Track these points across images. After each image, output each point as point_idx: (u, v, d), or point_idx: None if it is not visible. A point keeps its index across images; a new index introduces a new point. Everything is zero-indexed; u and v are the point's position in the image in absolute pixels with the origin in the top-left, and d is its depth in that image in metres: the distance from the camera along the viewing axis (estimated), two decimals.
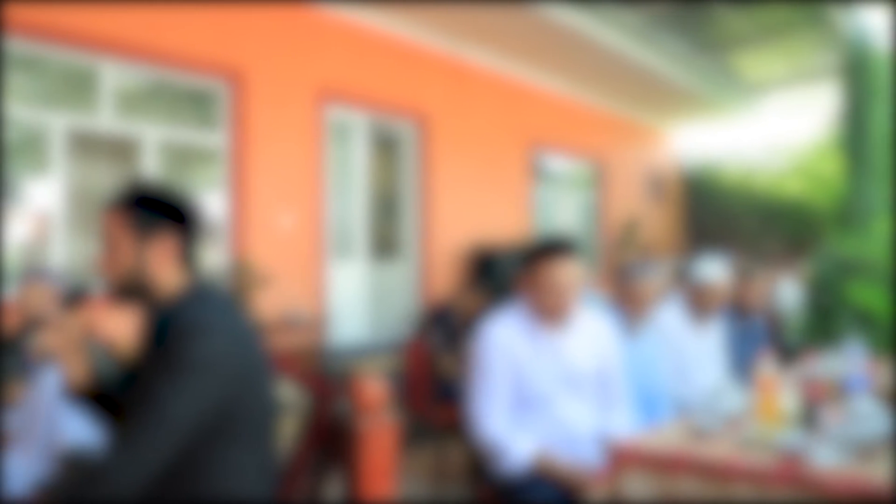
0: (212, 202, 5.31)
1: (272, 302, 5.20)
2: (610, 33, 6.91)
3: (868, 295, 5.26)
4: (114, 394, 1.47)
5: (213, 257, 5.25)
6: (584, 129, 9.17)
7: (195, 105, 5.32)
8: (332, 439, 1.57)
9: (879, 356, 3.14)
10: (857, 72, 6.15)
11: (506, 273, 5.97)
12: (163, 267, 1.42)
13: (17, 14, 3.98)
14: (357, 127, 6.39)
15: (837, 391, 2.29)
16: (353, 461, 1.43)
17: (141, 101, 5.02)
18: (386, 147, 6.74)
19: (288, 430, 1.61)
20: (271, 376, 1.46)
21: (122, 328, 1.37)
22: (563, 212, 9.05)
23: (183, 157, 5.23)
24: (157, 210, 1.44)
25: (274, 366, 1.53)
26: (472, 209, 7.31)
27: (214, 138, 5.31)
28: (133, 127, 4.86)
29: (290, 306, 5.44)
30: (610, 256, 9.20)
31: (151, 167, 4.90)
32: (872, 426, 2.01)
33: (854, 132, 6.13)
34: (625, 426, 2.34)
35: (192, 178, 5.39)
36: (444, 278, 6.86)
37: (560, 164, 9.05)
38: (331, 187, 6.05)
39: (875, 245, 5.69)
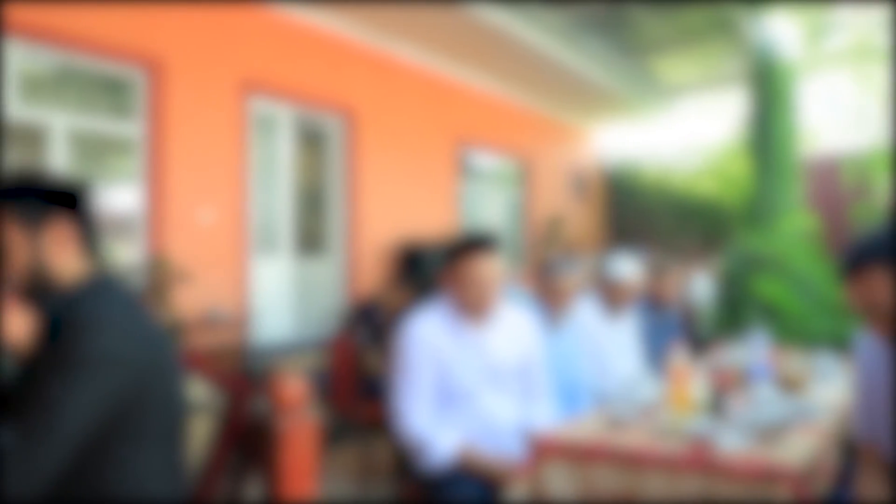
0: (127, 195, 5.07)
1: (192, 300, 5.03)
2: (534, 33, 7.04)
3: (772, 288, 5.60)
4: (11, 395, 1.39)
5: (129, 253, 5.02)
6: (510, 127, 9.30)
7: (109, 93, 5.06)
8: (250, 439, 1.53)
9: (782, 346, 3.34)
10: (762, 78, 6.51)
11: (432, 269, 5.99)
12: (60, 256, 1.34)
13: None
14: (282, 120, 6.26)
15: (742, 379, 2.42)
16: (272, 461, 1.41)
17: (49, 86, 4.74)
18: (312, 141, 6.63)
19: (202, 431, 1.57)
20: (181, 375, 1.41)
21: (19, 327, 1.29)
22: (489, 208, 9.16)
23: (95, 146, 4.97)
24: (42, 197, 1.35)
25: (187, 364, 1.48)
26: (400, 205, 7.30)
27: (130, 128, 5.07)
28: (40, 114, 4.58)
29: (212, 304, 5.28)
30: (535, 253, 9.38)
31: (60, 157, 4.64)
32: (773, 411, 2.14)
33: (760, 135, 6.49)
34: (547, 419, 2.40)
35: (106, 169, 5.13)
36: (371, 274, 6.82)
37: (487, 161, 9.16)
38: (254, 181, 5.89)
39: (780, 242, 6.05)
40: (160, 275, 4.77)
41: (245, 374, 5.07)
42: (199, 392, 1.57)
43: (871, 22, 7.41)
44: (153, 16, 5.02)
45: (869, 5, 6.94)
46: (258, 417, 1.52)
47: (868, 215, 7.31)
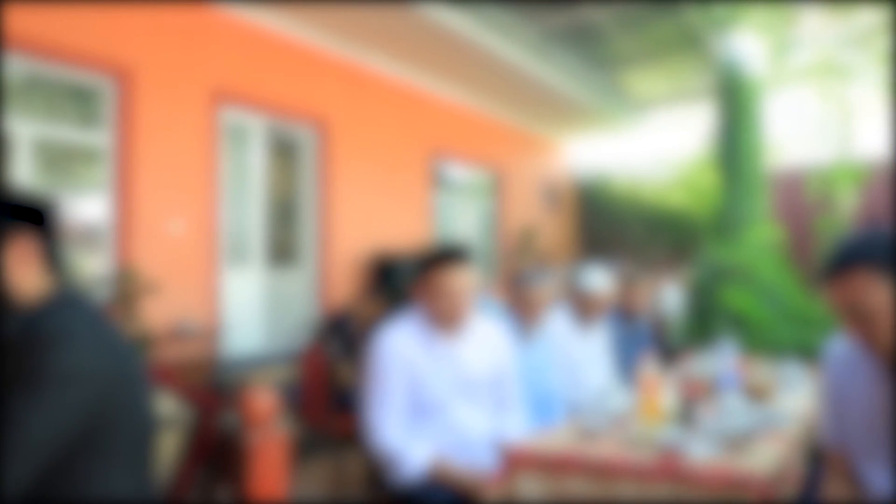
0: (94, 205, 4.98)
1: (161, 312, 4.94)
2: (506, 46, 7.11)
3: (740, 298, 5.70)
4: None
5: (96, 264, 4.93)
6: (483, 138, 9.36)
7: (76, 102, 4.98)
8: (219, 454, 1.51)
9: (749, 355, 3.40)
10: (729, 94, 6.65)
11: (405, 280, 5.98)
12: (23, 273, 1.31)
13: None
14: (254, 130, 6.21)
15: (711, 388, 2.46)
16: (241, 476, 1.39)
17: (14, 94, 4.65)
18: (284, 152, 6.60)
19: (170, 446, 1.54)
20: (148, 389, 1.39)
21: None
22: (462, 219, 9.19)
23: (62, 156, 4.88)
24: (3, 213, 1.32)
25: (154, 379, 1.46)
26: (373, 216, 7.29)
27: (98, 137, 4.99)
28: (4, 122, 4.48)
29: (181, 316, 5.19)
30: (508, 264, 9.42)
31: (25, 166, 4.54)
32: (740, 420, 2.17)
33: (727, 149, 6.62)
34: (519, 430, 2.40)
35: (73, 179, 5.04)
36: (344, 286, 6.78)
37: (460, 172, 9.19)
38: (226, 192, 5.83)
39: (747, 252, 6.17)
40: (128, 286, 4.69)
41: (214, 388, 4.99)
42: (168, 406, 1.54)
43: (834, 39, 7.64)
44: (122, 24, 4.96)
45: (834, 19, 7.17)
46: (227, 432, 1.50)
47: (831, 227, 7.49)
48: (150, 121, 5.16)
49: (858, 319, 1.50)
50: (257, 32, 6.00)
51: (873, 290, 1.46)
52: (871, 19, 7.12)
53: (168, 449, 1.54)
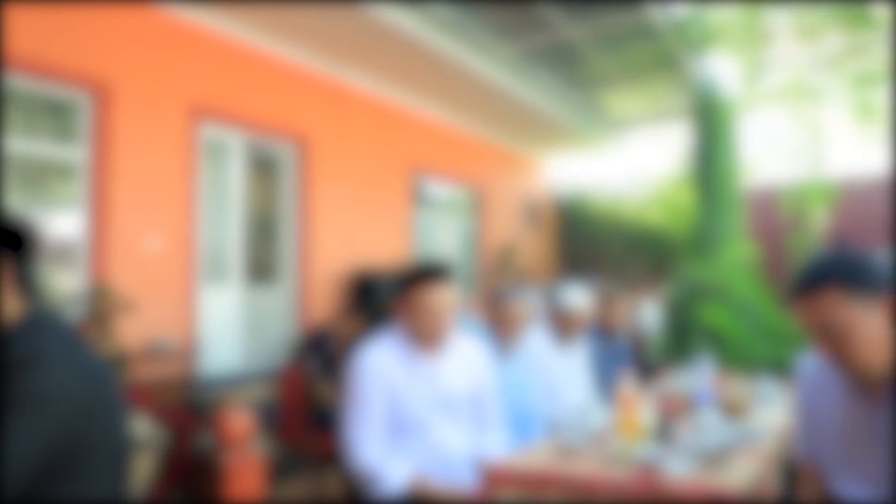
0: (69, 221, 4.92)
1: (137, 330, 4.87)
2: (487, 65, 7.19)
3: (716, 315, 5.76)
4: None
5: (70, 281, 4.85)
6: (463, 156, 9.42)
7: (52, 116, 4.93)
8: (195, 475, 1.49)
9: (725, 371, 3.44)
10: (704, 114, 6.78)
11: (385, 298, 5.96)
12: (1, 298, 1.29)
13: None
14: (233, 147, 6.19)
15: (688, 405, 2.48)
16: (218, 497, 1.37)
17: None
18: (264, 168, 6.57)
19: (145, 467, 1.51)
20: (124, 410, 1.37)
21: None
22: (443, 237, 9.20)
23: (37, 171, 4.82)
24: None
25: (130, 399, 1.43)
26: (353, 233, 7.27)
27: (74, 153, 4.94)
28: None
29: (157, 334, 5.12)
30: (488, 281, 9.44)
31: None
32: (717, 436, 2.19)
33: (703, 168, 6.74)
34: (499, 447, 2.40)
35: (47, 195, 4.97)
36: (323, 303, 6.74)
37: (440, 189, 9.23)
38: (204, 208, 5.79)
39: (723, 270, 6.25)
40: (103, 304, 4.62)
41: (190, 408, 4.92)
42: (143, 427, 1.52)
43: (805, 62, 7.83)
44: (100, 39, 4.93)
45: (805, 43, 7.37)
46: (203, 452, 1.48)
47: (804, 244, 7.63)
48: (127, 136, 5.12)
49: (826, 338, 1.52)
50: (236, 48, 6.00)
51: (841, 309, 1.48)
52: (840, 43, 7.32)
53: (143, 470, 1.52)
